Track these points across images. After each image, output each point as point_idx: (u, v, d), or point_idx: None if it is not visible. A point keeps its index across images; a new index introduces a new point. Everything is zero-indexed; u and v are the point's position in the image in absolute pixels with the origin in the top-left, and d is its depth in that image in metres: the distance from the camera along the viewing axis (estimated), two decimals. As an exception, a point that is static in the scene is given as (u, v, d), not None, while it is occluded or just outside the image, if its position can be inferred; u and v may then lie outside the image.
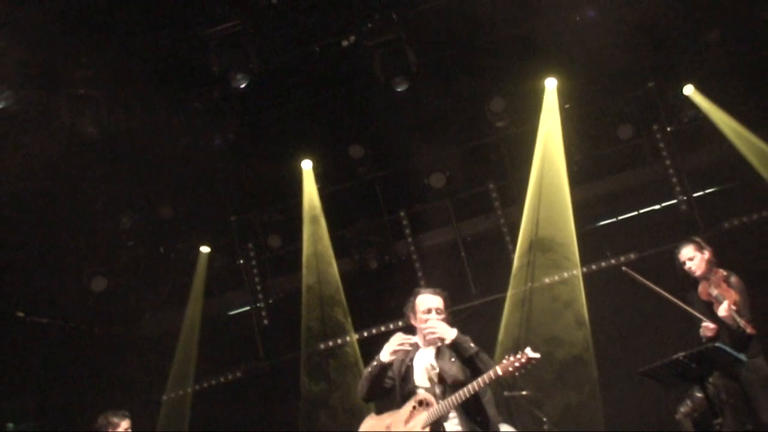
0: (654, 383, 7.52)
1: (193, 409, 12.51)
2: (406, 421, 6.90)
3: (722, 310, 7.93)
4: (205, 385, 12.84)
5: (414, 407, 6.90)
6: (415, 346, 7.15)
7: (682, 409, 9.23)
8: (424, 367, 7.06)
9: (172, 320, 12.95)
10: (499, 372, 6.63)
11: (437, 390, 6.94)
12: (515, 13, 11.31)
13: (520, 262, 11.89)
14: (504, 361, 6.65)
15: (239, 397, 12.78)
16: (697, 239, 8.47)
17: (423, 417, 6.84)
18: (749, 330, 7.84)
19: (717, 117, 11.55)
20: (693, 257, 8.28)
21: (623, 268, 8.58)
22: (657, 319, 11.13)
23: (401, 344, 7.04)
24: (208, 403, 12.71)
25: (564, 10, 11.13)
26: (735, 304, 7.93)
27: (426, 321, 7.07)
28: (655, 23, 11.52)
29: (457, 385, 6.81)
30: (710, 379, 7.85)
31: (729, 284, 8.09)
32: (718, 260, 8.32)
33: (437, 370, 6.99)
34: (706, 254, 8.27)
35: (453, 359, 6.94)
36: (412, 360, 7.12)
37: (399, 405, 7.06)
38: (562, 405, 11.27)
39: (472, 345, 6.90)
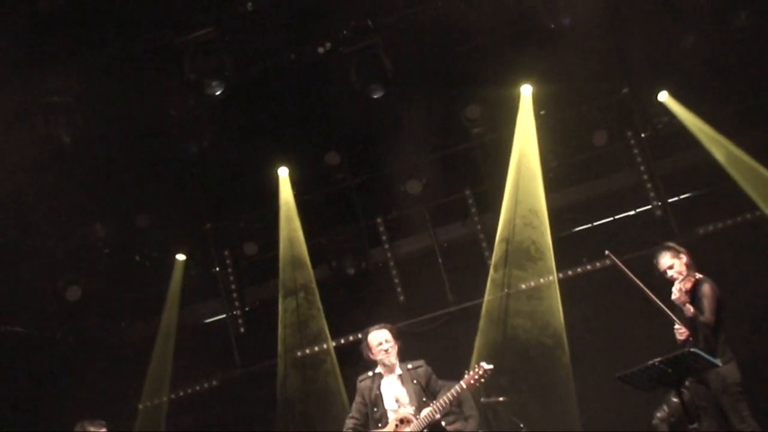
0: (630, 388, 7.54)
1: (169, 418, 12.44)
2: None
3: (673, 293, 7.96)
4: (182, 393, 12.75)
5: (397, 425, 8.13)
6: (379, 376, 8.51)
7: (659, 414, 9.27)
8: (392, 393, 8.38)
9: (147, 328, 12.88)
10: (464, 386, 8.09)
11: (408, 410, 8.21)
12: (491, 20, 11.34)
13: (497, 268, 11.90)
14: (466, 376, 8.09)
15: (216, 405, 12.73)
16: (672, 245, 8.49)
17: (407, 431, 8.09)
18: (691, 311, 7.84)
19: (691, 123, 11.59)
20: (672, 265, 8.28)
21: (606, 252, 8.59)
22: (633, 325, 11.19)
23: None
24: (184, 411, 12.65)
25: (539, 17, 11.16)
26: (686, 290, 7.94)
27: (381, 352, 8.46)
28: (629, 30, 11.58)
29: (421, 405, 8.17)
30: (686, 383, 7.90)
31: (697, 285, 8.09)
32: (695, 263, 8.33)
33: (403, 393, 8.33)
34: (684, 258, 8.28)
35: (415, 381, 8.35)
36: (379, 387, 8.44)
37: (372, 426, 8.33)
38: (539, 411, 11.28)
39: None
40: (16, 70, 10.07)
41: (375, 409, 8.33)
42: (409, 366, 8.50)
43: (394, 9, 11.14)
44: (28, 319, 12.07)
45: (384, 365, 8.48)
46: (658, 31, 11.49)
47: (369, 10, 10.99)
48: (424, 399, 8.24)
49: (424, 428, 8.05)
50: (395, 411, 8.26)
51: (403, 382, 8.39)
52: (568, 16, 11.07)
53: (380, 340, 8.49)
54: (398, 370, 8.47)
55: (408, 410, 8.17)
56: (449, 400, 8.11)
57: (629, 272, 8.30)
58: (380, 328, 8.62)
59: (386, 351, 8.44)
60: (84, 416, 9.21)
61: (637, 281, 8.25)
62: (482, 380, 8.10)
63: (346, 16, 11.00)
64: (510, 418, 9.97)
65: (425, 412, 8.07)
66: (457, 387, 8.06)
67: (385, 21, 11.13)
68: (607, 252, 8.58)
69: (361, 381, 8.64)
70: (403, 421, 8.11)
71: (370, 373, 8.61)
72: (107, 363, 12.62)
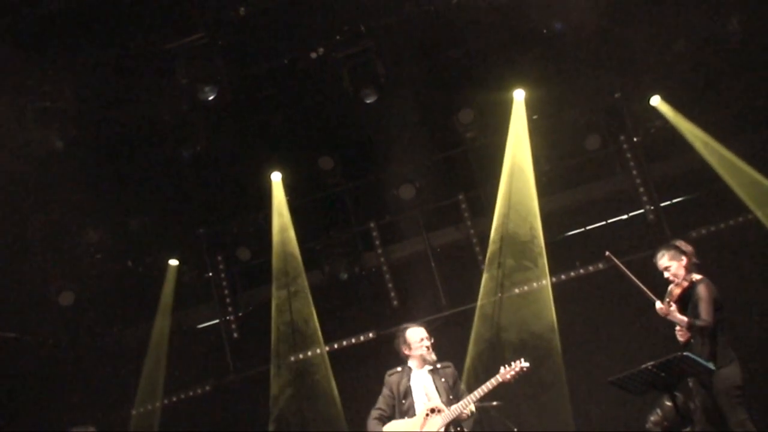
0: (624, 392, 7.54)
1: (162, 424, 12.41)
2: (422, 426, 8.47)
3: (657, 305, 7.90)
4: (175, 398, 12.72)
5: (427, 414, 8.51)
6: (409, 370, 8.87)
7: (652, 418, 9.29)
8: (422, 386, 8.75)
9: (140, 334, 12.84)
10: (500, 379, 8.52)
11: (438, 402, 8.57)
12: (483, 25, 11.36)
13: (490, 272, 11.90)
14: (502, 370, 8.53)
15: (209, 411, 12.69)
16: (677, 244, 8.31)
17: (437, 420, 8.45)
18: (685, 321, 7.80)
19: (683, 127, 11.63)
20: (669, 267, 8.20)
21: (606, 252, 8.52)
22: (626, 328, 11.22)
23: None
24: (177, 417, 12.60)
25: (532, 22, 11.19)
26: (673, 300, 7.91)
27: (422, 348, 8.84)
28: (621, 34, 11.60)
29: (448, 401, 8.57)
30: (689, 384, 7.90)
31: (693, 287, 8.06)
32: (698, 264, 8.23)
33: (432, 388, 8.69)
34: (684, 260, 8.15)
35: (443, 379, 8.76)
36: (409, 380, 8.81)
37: (400, 417, 8.65)
38: (533, 415, 11.30)
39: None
40: (9, 73, 10.07)
41: (403, 401, 8.70)
42: (438, 365, 8.90)
43: (386, 14, 11.14)
44: (21, 325, 12.02)
45: (423, 360, 8.86)
46: (651, 36, 11.51)
47: (362, 14, 10.99)
48: (451, 397, 8.64)
49: (453, 419, 8.45)
50: (424, 403, 8.61)
51: (433, 378, 8.79)
52: (561, 21, 11.11)
53: (421, 336, 8.91)
54: (429, 366, 8.88)
55: (438, 402, 8.55)
56: (484, 392, 8.51)
57: (629, 273, 8.23)
58: (418, 325, 9.13)
59: (427, 347, 8.87)
60: (76, 421, 9.21)
61: (637, 282, 8.15)
62: (517, 377, 8.54)
63: (338, 21, 11.01)
64: (503, 422, 9.97)
65: (455, 405, 8.48)
66: (492, 380, 8.52)
67: (378, 26, 11.14)
68: (607, 253, 8.46)
69: (390, 375, 8.98)
70: (434, 411, 8.49)
71: (399, 368, 8.98)
72: (100, 368, 12.56)
